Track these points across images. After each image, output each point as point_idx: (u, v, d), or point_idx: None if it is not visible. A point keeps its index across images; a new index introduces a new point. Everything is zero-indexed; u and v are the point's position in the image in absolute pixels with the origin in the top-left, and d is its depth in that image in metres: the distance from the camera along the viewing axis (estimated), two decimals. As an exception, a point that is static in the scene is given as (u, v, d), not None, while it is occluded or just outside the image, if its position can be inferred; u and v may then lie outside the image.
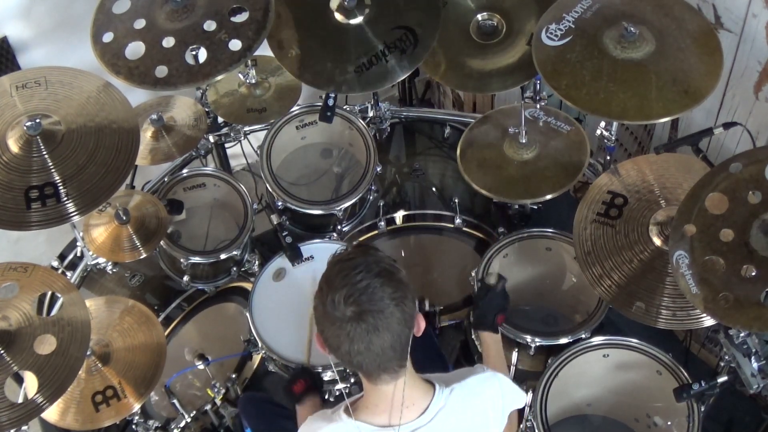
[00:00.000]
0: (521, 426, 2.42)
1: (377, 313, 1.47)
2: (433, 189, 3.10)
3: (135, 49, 2.47)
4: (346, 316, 1.48)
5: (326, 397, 2.40)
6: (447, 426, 1.64)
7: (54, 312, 2.16)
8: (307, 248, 2.66)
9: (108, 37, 2.49)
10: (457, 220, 2.86)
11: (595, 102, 2.21)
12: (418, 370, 1.65)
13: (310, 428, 1.68)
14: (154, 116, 2.75)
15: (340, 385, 2.41)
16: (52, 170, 2.17)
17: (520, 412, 2.35)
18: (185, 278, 2.81)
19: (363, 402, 1.65)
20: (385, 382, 1.58)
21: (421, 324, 1.60)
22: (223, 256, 2.77)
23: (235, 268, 2.87)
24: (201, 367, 2.48)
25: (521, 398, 1.84)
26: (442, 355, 2.52)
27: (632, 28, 2.23)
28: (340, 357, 1.54)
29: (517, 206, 2.82)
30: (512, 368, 2.47)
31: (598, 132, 2.56)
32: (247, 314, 2.53)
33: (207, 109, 2.88)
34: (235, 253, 2.80)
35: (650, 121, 2.22)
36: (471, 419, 1.70)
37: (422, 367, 1.67)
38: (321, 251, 2.62)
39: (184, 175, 2.88)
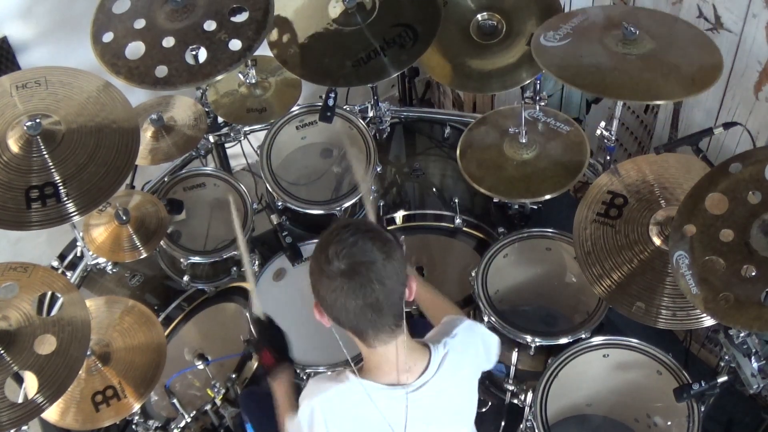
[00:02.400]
0: (521, 426, 2.42)
1: (369, 264, 1.52)
2: (433, 189, 3.10)
3: (135, 49, 2.47)
4: (339, 269, 1.51)
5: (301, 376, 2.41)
6: (451, 375, 1.69)
7: (54, 312, 2.16)
8: (307, 248, 2.66)
9: (108, 37, 2.49)
10: (457, 220, 2.86)
11: (601, 87, 2.22)
12: None
13: (317, 388, 1.70)
14: (154, 116, 2.74)
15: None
16: (52, 170, 2.17)
17: (520, 410, 2.36)
18: (185, 278, 2.81)
19: (365, 366, 1.69)
20: (383, 342, 1.61)
21: (413, 286, 1.63)
22: (223, 256, 2.77)
23: (235, 268, 2.87)
24: (201, 367, 2.47)
25: (495, 338, 1.90)
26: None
27: (632, 28, 2.23)
28: (336, 316, 1.57)
29: (517, 206, 2.82)
30: (512, 368, 2.47)
31: (598, 132, 2.56)
32: (247, 314, 2.53)
33: (207, 109, 2.88)
34: (235, 253, 2.79)
35: (661, 101, 2.21)
36: (470, 364, 1.77)
37: None
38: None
39: (184, 175, 2.88)
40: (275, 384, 2.00)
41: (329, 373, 1.75)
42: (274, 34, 2.63)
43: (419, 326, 1.91)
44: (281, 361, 2.02)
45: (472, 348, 1.79)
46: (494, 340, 1.89)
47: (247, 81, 2.89)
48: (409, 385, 1.65)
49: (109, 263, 2.71)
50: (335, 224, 1.60)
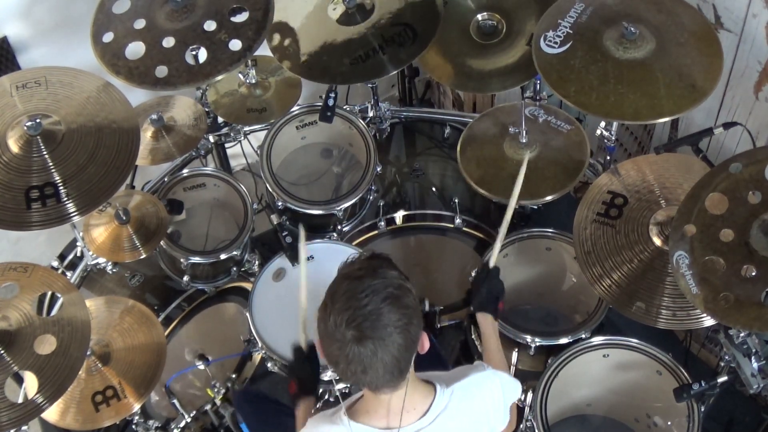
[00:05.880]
0: (521, 426, 2.42)
1: (378, 341, 1.46)
2: (433, 189, 3.10)
3: (135, 49, 2.47)
4: (346, 338, 1.46)
5: (326, 397, 2.40)
6: (449, 426, 1.64)
7: (54, 312, 2.16)
8: (307, 248, 2.66)
9: (108, 37, 2.49)
10: (457, 220, 2.86)
11: (606, 106, 2.22)
12: (417, 370, 1.64)
13: (313, 430, 1.67)
14: (154, 116, 2.74)
15: (339, 385, 2.41)
16: (52, 170, 2.17)
17: (520, 411, 2.36)
18: (185, 278, 2.81)
19: (362, 405, 1.65)
20: (384, 393, 1.58)
21: (425, 344, 1.59)
22: (223, 256, 2.77)
23: (235, 268, 2.87)
24: (201, 367, 2.48)
25: (518, 390, 1.86)
26: (441, 356, 2.51)
27: (632, 28, 2.23)
28: (338, 372, 1.54)
29: (517, 206, 2.81)
30: (512, 368, 2.46)
31: (598, 132, 2.56)
32: (247, 314, 2.53)
33: (207, 109, 2.88)
34: (235, 253, 2.80)
35: (664, 119, 2.23)
36: (472, 418, 1.70)
37: (421, 367, 1.66)
38: (321, 251, 2.62)
39: (184, 175, 2.88)
40: (296, 410, 2.00)
41: (331, 409, 1.71)
42: (275, 39, 2.63)
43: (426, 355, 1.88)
44: (305, 393, 2.02)
45: (484, 397, 1.72)
46: (515, 388, 1.83)
47: (247, 81, 2.89)
48: (402, 429, 1.60)
49: (109, 263, 2.71)
50: (353, 273, 1.51)
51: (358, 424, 1.61)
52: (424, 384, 1.66)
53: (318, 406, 2.04)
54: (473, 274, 2.54)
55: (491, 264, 2.17)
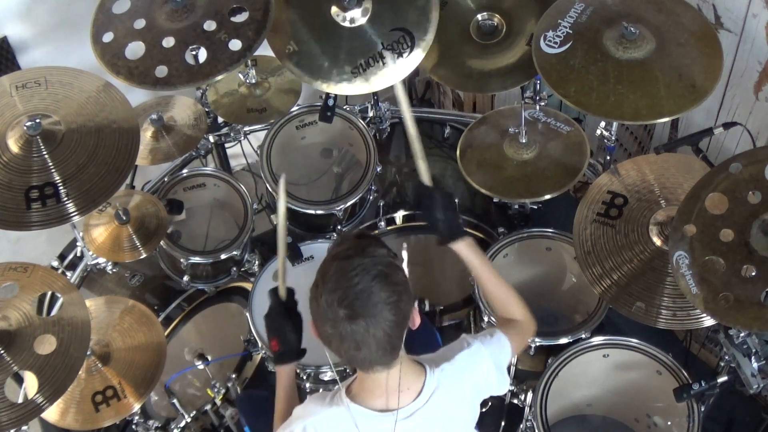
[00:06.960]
0: (521, 426, 2.42)
1: (370, 318, 1.49)
2: (433, 189, 3.10)
3: (135, 49, 2.47)
4: (338, 317, 1.49)
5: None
6: (443, 405, 1.66)
7: (54, 312, 2.17)
8: (307, 248, 2.66)
9: (108, 37, 2.49)
10: (458, 220, 2.86)
11: (606, 106, 2.21)
12: (411, 352, 1.66)
13: (307, 412, 1.68)
14: (154, 116, 2.75)
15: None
16: (52, 170, 2.17)
17: (520, 411, 2.36)
18: (185, 278, 2.81)
19: (358, 386, 1.66)
20: (378, 372, 1.59)
21: (417, 319, 1.61)
22: (223, 256, 2.77)
23: (235, 268, 2.87)
24: (201, 366, 2.48)
25: (508, 350, 1.79)
26: (436, 335, 2.50)
27: (632, 28, 2.23)
28: (332, 350, 1.56)
29: (517, 206, 2.82)
30: (512, 368, 2.47)
31: (598, 132, 2.56)
32: (247, 314, 2.53)
33: (207, 109, 2.88)
34: (235, 253, 2.80)
35: (665, 119, 2.23)
36: (464, 394, 1.72)
37: (416, 347, 1.68)
38: (321, 251, 2.62)
39: (184, 175, 2.88)
40: (278, 371, 1.92)
41: (327, 391, 1.74)
42: (274, 35, 2.62)
43: (422, 337, 1.88)
44: (288, 355, 1.91)
45: (474, 374, 1.73)
46: (507, 358, 1.80)
47: (247, 81, 2.89)
48: (400, 410, 1.61)
49: (109, 263, 2.71)
50: (342, 253, 1.53)
51: (356, 406, 1.63)
52: (415, 364, 1.68)
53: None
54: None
55: (426, 182, 1.92)
